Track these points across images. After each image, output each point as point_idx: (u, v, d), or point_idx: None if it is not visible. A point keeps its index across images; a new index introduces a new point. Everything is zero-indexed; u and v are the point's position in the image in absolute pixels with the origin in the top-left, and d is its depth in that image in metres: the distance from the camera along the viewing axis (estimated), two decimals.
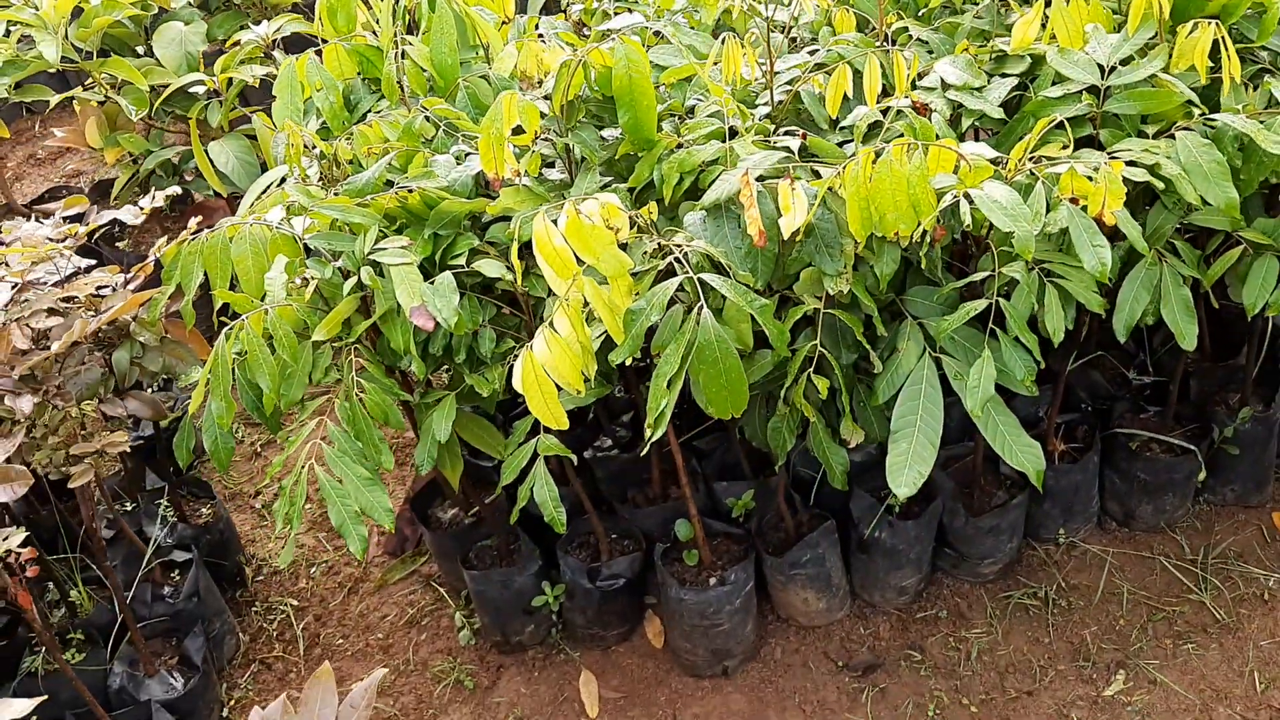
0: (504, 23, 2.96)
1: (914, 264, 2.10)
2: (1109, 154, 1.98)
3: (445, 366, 2.37)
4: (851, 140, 2.24)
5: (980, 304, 1.93)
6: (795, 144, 2.08)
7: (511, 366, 2.25)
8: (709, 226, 2.07)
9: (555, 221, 1.91)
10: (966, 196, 1.81)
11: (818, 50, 2.37)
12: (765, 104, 2.30)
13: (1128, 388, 2.84)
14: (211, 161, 3.67)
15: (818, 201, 1.91)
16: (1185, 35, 1.98)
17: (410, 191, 2.23)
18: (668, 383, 1.87)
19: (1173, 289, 2.05)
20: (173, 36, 3.84)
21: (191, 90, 3.62)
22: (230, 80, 3.50)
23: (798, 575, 2.61)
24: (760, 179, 2.01)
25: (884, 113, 2.16)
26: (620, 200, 2.18)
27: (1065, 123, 1.97)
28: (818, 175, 2.08)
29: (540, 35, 2.99)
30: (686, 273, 1.92)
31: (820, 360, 2.04)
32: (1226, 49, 1.93)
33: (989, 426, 1.96)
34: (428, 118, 2.49)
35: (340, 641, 3.00)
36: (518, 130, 2.17)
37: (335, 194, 2.44)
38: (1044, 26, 2.19)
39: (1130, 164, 1.94)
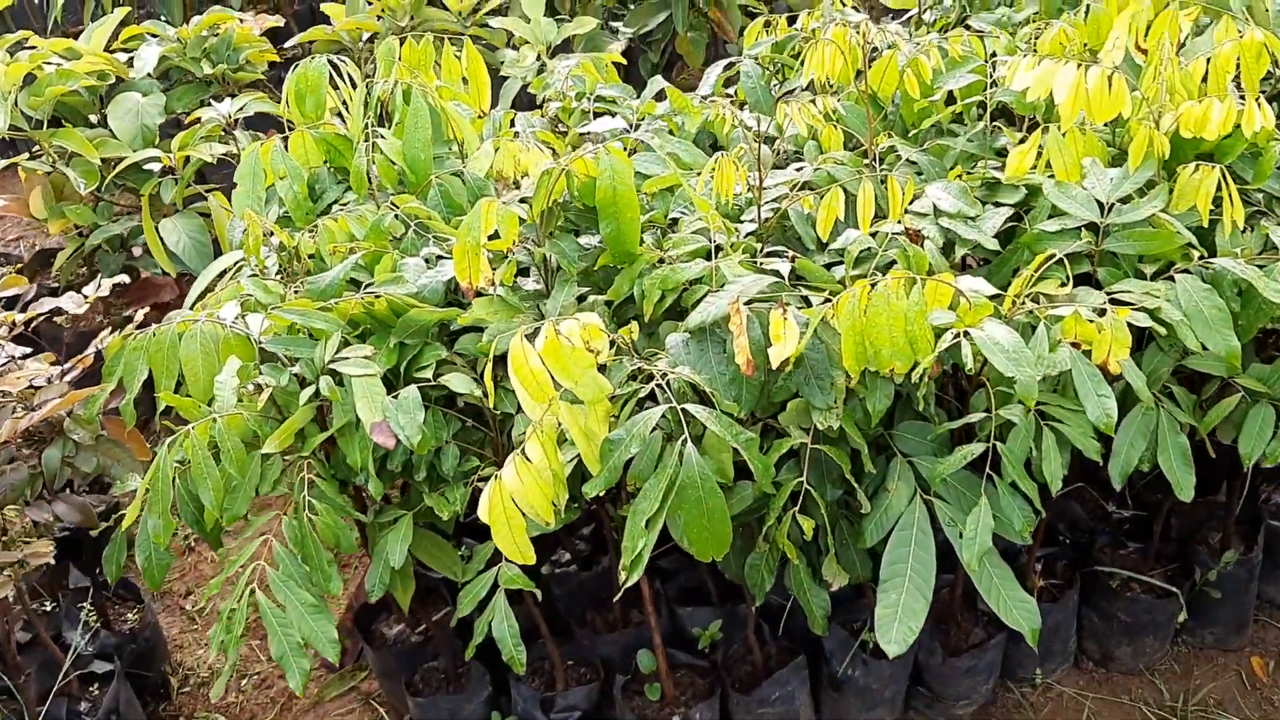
0: (479, 116, 2.87)
1: (904, 396, 2.01)
2: (1109, 295, 1.91)
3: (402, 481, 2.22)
4: (840, 263, 2.16)
5: (976, 448, 1.84)
6: (785, 268, 1.99)
7: (475, 488, 2.14)
8: (692, 350, 1.97)
9: (532, 341, 1.80)
10: (967, 336, 1.73)
11: (805, 167, 2.30)
12: (751, 220, 2.21)
13: (1107, 521, 2.76)
14: (162, 239, 3.52)
15: (809, 332, 1.82)
16: (1188, 176, 1.94)
17: (377, 297, 2.11)
18: (646, 522, 1.75)
19: (1170, 436, 1.97)
20: (129, 108, 3.71)
21: (145, 166, 3.48)
22: (188, 158, 3.37)
23: (765, 713, 2.47)
24: (748, 303, 1.92)
25: (873, 236, 2.08)
26: (601, 318, 2.08)
27: (1064, 259, 1.91)
28: (806, 301, 2.00)
29: (516, 132, 2.91)
30: (669, 401, 1.81)
31: (805, 497, 1.92)
32: (1230, 194, 1.89)
33: (983, 580, 1.85)
34: (398, 216, 2.38)
35: None
36: (494, 236, 2.07)
37: (295, 291, 2.31)
38: (1039, 156, 2.13)
39: (1132, 307, 1.88)
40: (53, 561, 2.29)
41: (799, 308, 1.95)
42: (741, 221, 2.26)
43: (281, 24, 4.16)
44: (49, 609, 2.93)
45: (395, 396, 2.01)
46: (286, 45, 4.05)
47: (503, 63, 4.09)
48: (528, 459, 1.81)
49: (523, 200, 2.32)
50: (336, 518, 2.04)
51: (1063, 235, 2.00)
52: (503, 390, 2.13)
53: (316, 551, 2.04)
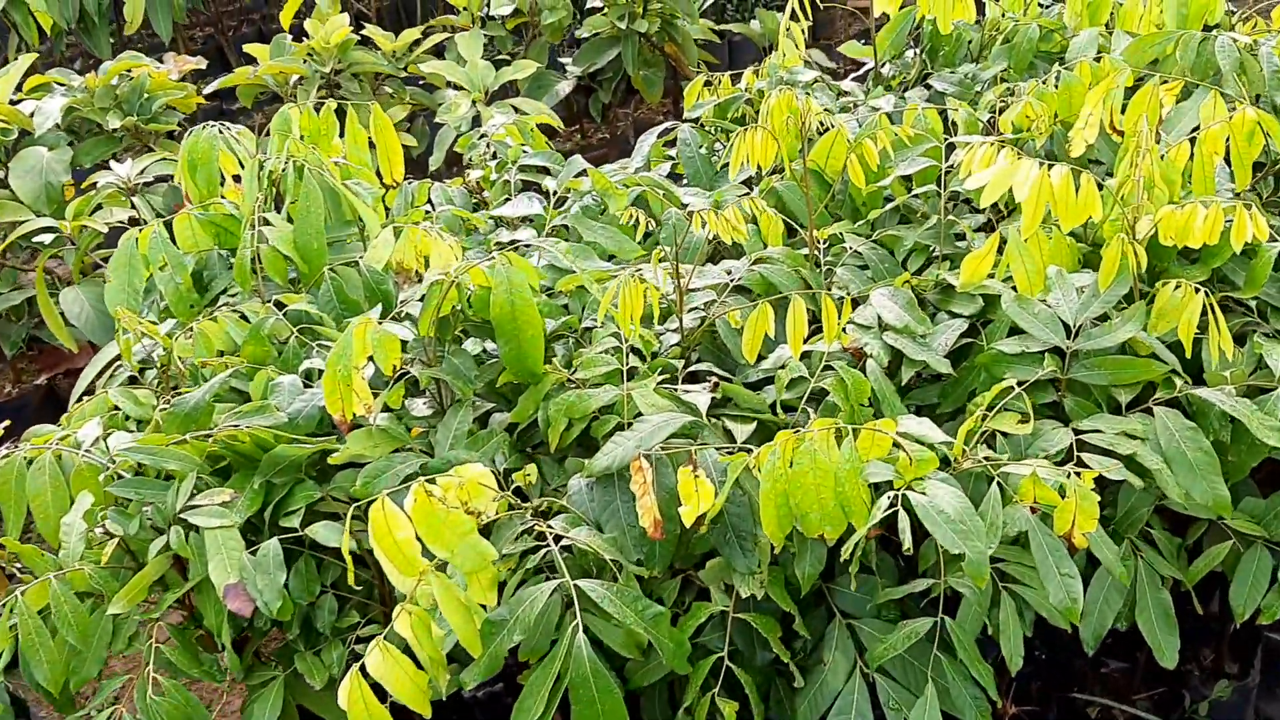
0: (392, 186, 2.59)
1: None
2: (1076, 434, 1.64)
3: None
4: (773, 381, 1.89)
5: (923, 625, 1.57)
6: (704, 401, 1.72)
7: (353, 651, 1.87)
8: (596, 497, 1.70)
9: (400, 503, 1.53)
10: (905, 504, 1.46)
11: (736, 267, 2.03)
12: (675, 328, 1.94)
13: None
14: (63, 311, 3.25)
15: (726, 487, 1.55)
16: (1169, 295, 1.66)
17: (238, 429, 1.83)
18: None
19: (1150, 592, 1.71)
20: (32, 164, 3.44)
21: (39, 237, 3.20)
22: (84, 228, 3.09)
23: None
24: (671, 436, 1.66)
25: (807, 356, 1.82)
26: (501, 448, 1.81)
27: (1023, 394, 1.64)
28: (730, 436, 1.73)
29: (430, 205, 2.64)
30: (564, 577, 1.54)
31: (728, 673, 1.65)
32: (1216, 319, 1.61)
33: None
34: (280, 318, 2.11)
35: None
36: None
37: (163, 404, 2.04)
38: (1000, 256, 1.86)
39: (1102, 451, 1.61)
40: None
41: (720, 447, 1.68)
42: (665, 327, 1.99)
43: (204, 65, 3.88)
44: None
45: (255, 551, 1.74)
46: (207, 91, 3.77)
47: (440, 105, 3.82)
48: (389, 646, 1.54)
49: (422, 298, 2.05)
50: (187, 695, 1.76)
51: (1024, 360, 1.73)
52: None
53: None
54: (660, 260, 1.93)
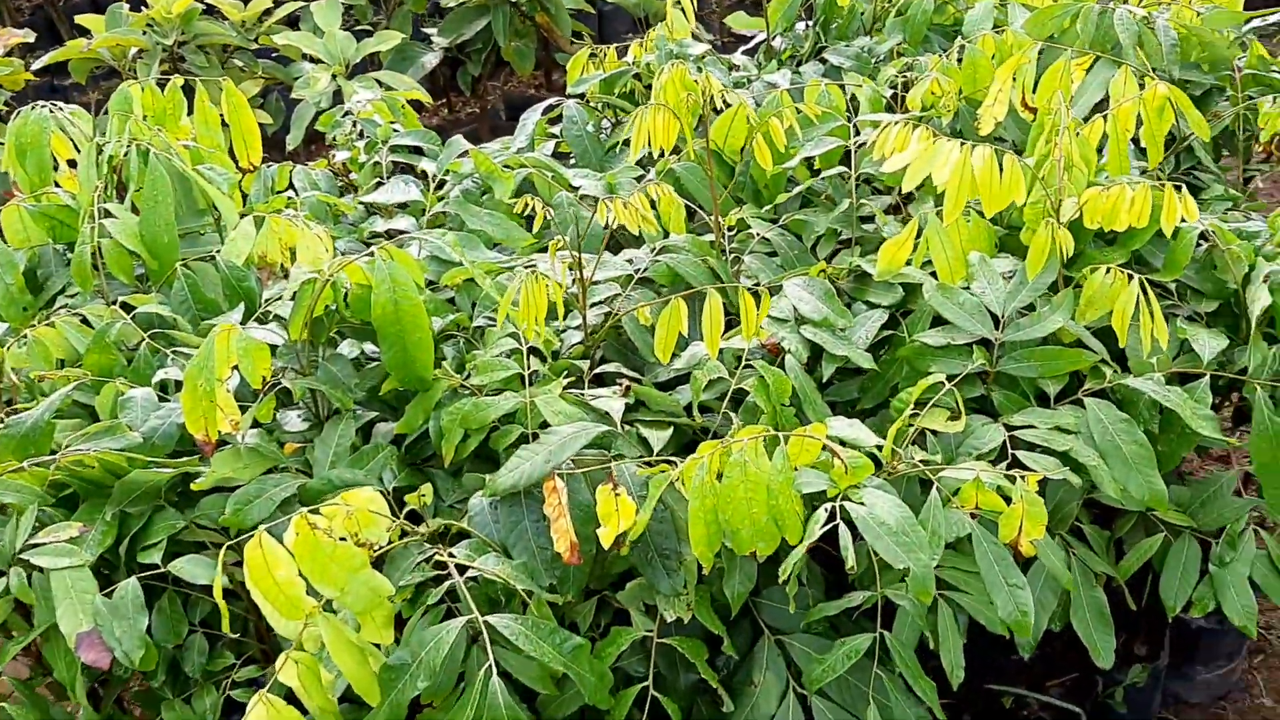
0: (248, 171, 2.36)
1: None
2: (1008, 430, 1.56)
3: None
4: (686, 380, 1.76)
5: (862, 641, 1.46)
6: (617, 408, 1.57)
7: (227, 696, 1.68)
8: (501, 517, 1.54)
9: (279, 536, 1.34)
10: (845, 517, 1.35)
11: (638, 256, 1.89)
12: (577, 325, 1.79)
13: None
14: None
15: (650, 505, 1.41)
16: (1099, 282, 1.59)
17: (86, 451, 1.61)
18: None
19: (1085, 592, 1.64)
20: None
21: None
22: None
23: None
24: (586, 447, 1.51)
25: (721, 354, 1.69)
26: (389, 463, 1.64)
27: (953, 389, 1.55)
28: (646, 445, 1.59)
29: (292, 189, 2.41)
30: (470, 611, 1.38)
31: (654, 703, 1.52)
32: (1152, 308, 1.54)
33: None
34: (129, 322, 1.87)
35: None
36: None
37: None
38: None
39: (1036, 447, 1.53)
40: None
41: (636, 459, 1.54)
42: (566, 325, 1.83)
43: (32, 39, 3.53)
44: None
45: (111, 593, 1.53)
46: (35, 67, 3.42)
47: (297, 79, 3.56)
48: (273, 702, 1.35)
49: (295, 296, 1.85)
50: None
51: (950, 352, 1.64)
52: None
53: None
54: (558, 250, 1.77)
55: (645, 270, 1.84)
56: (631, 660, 1.58)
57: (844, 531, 1.33)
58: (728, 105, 2.06)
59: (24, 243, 2.18)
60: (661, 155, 2.21)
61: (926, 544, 1.34)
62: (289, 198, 2.29)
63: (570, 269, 1.75)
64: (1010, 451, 1.53)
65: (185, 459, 1.68)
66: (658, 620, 1.53)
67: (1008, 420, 1.59)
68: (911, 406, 1.56)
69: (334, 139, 2.62)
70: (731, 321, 1.84)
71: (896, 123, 1.69)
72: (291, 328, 1.69)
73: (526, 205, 1.81)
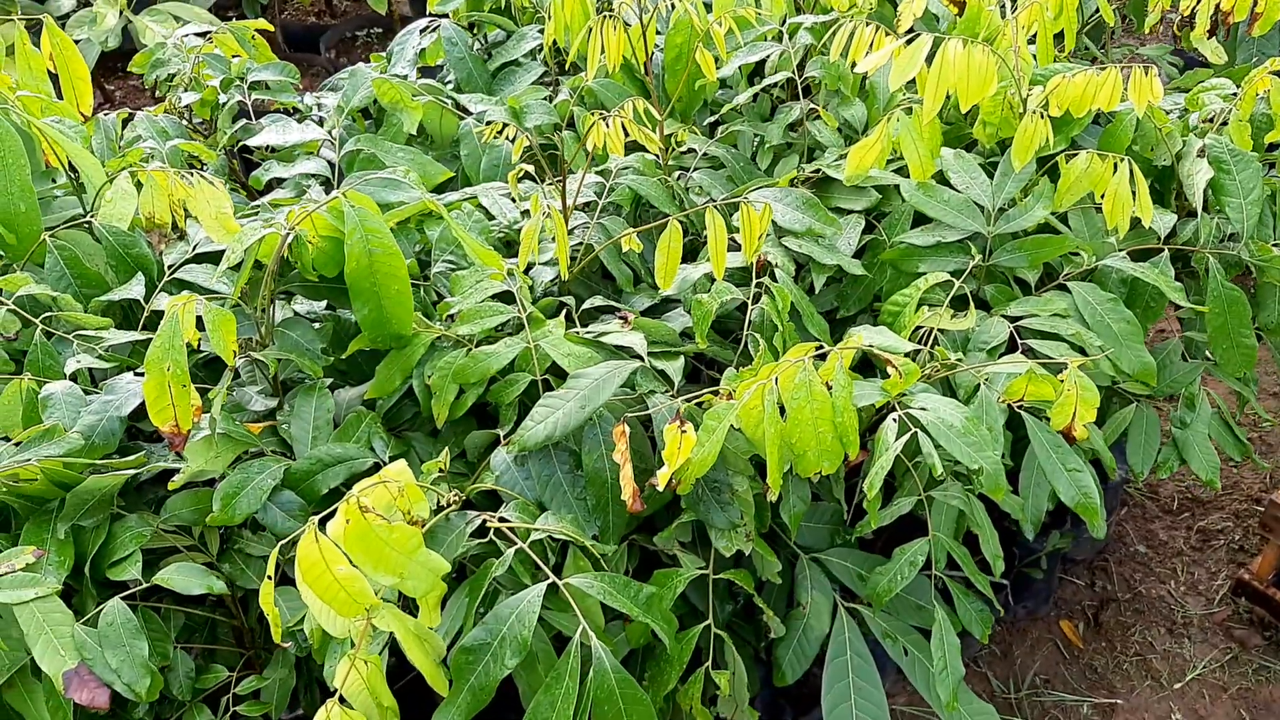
0: (84, 120, 2.04)
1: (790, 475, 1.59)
2: (1013, 322, 1.59)
3: None
4: (669, 307, 1.69)
5: (919, 548, 1.46)
6: (639, 341, 1.48)
7: (233, 713, 1.49)
8: (531, 472, 1.43)
9: (325, 528, 1.18)
10: (914, 421, 1.33)
11: (588, 183, 1.77)
12: (549, 263, 1.67)
13: None
14: None
15: (718, 438, 1.34)
16: (1080, 167, 1.63)
17: (29, 462, 1.35)
18: None
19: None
20: None
21: None
22: None
23: None
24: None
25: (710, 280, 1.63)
26: (378, 436, 1.49)
27: (961, 284, 1.56)
28: (664, 375, 1.51)
29: (140, 142, 2.12)
30: (538, 575, 1.27)
31: (715, 644, 1.47)
32: (1139, 188, 1.59)
33: (951, 712, 1.49)
34: (10, 308, 1.59)
35: None
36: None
37: None
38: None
39: (1040, 334, 1.57)
40: None
41: (664, 393, 1.46)
42: (536, 262, 1.70)
43: None
44: None
45: (92, 621, 1.31)
46: None
47: (60, 17, 3.12)
48: (347, 705, 1.21)
49: (196, 258, 1.63)
50: None
51: (939, 250, 1.64)
52: (241, 556, 1.49)
53: None
54: (519, 180, 1.64)
55: (605, 196, 1.73)
56: (693, 629, 1.51)
57: (924, 439, 1.31)
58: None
59: None
60: (565, 73, 2.09)
61: (992, 442, 1.35)
62: (146, 149, 2.00)
63: (547, 198, 1.61)
64: (1019, 342, 1.56)
65: (131, 457, 1.45)
66: (713, 558, 1.47)
67: (1004, 312, 1.61)
68: (915, 306, 1.55)
69: (160, 80, 2.31)
70: (690, 244, 1.78)
71: (859, 24, 1.66)
72: (236, 287, 1.47)
73: (501, 132, 1.65)
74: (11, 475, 1.35)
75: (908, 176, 1.71)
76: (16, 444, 1.38)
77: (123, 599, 1.34)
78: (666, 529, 1.48)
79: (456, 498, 1.37)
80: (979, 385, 1.43)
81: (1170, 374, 1.80)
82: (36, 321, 1.59)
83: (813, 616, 1.52)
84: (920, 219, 1.69)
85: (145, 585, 1.36)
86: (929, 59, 1.59)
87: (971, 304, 1.56)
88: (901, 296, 1.61)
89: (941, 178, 1.73)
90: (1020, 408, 1.44)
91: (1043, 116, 1.63)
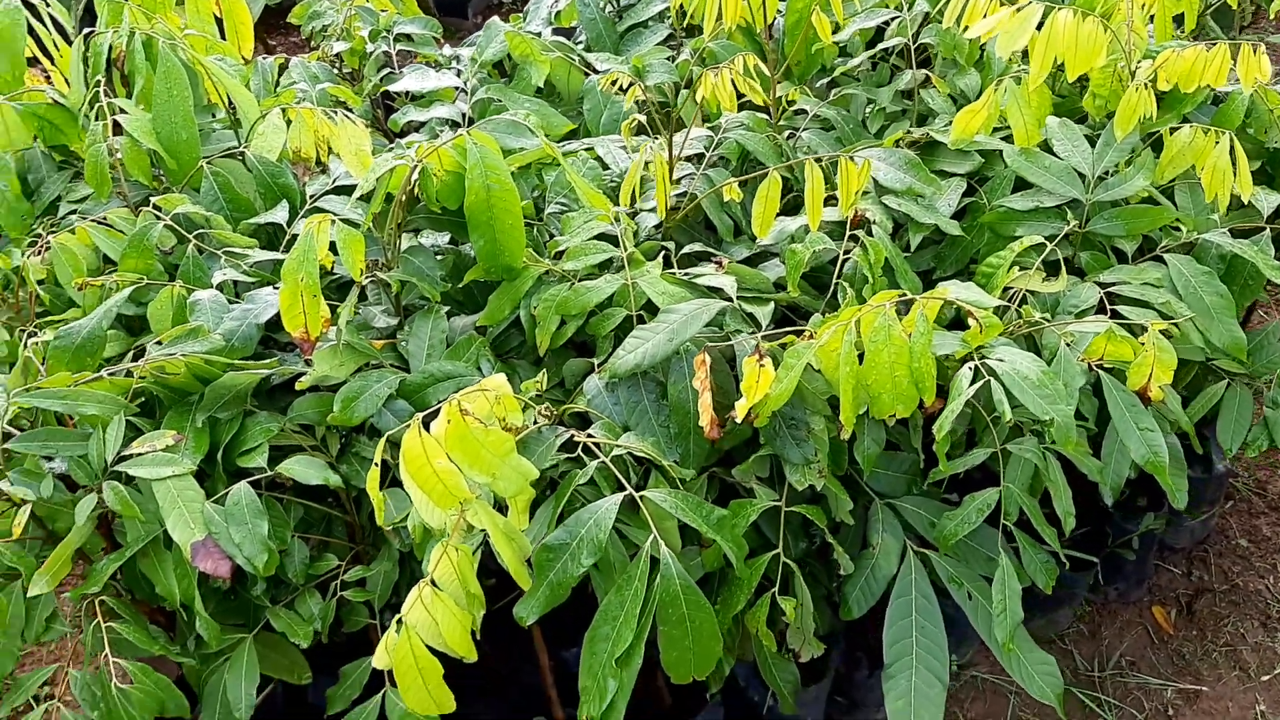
0: (245, 63, 2.22)
1: (868, 420, 1.65)
2: (1103, 289, 1.62)
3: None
4: (767, 257, 1.76)
5: (990, 496, 1.52)
6: (730, 283, 1.56)
7: (339, 598, 1.64)
8: (620, 399, 1.53)
9: (428, 427, 1.30)
10: (991, 373, 1.38)
11: (697, 139, 1.86)
12: (653, 209, 1.76)
13: None
14: None
15: (796, 373, 1.41)
16: (1183, 140, 1.64)
17: (172, 360, 1.51)
18: (617, 660, 1.32)
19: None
20: None
21: None
22: None
23: None
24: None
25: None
26: (485, 358, 1.60)
27: (1054, 248, 1.59)
28: (753, 320, 1.59)
29: (293, 85, 2.29)
30: (618, 486, 1.37)
31: (782, 573, 1.55)
32: (1239, 163, 1.61)
33: (1009, 655, 1.55)
34: (168, 224, 1.76)
35: None
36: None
37: (28, 337, 1.68)
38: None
39: (1131, 302, 1.59)
40: None
41: (750, 333, 1.54)
42: (637, 210, 1.80)
43: None
44: None
45: (220, 500, 1.46)
46: None
47: None
48: (438, 589, 1.33)
49: (361, 198, 1.77)
50: (158, 677, 1.48)
51: (1037, 215, 1.68)
52: (357, 459, 1.63)
53: None
54: (631, 130, 1.73)
55: (713, 149, 1.82)
56: (762, 557, 1.59)
57: (996, 386, 1.36)
58: None
59: (7, 145, 2.01)
60: (689, 35, 2.17)
61: (1065, 396, 1.39)
62: (297, 91, 2.16)
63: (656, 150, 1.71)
64: (1109, 308, 1.59)
65: (265, 360, 1.60)
66: (786, 491, 1.55)
67: (1097, 279, 1.64)
68: (1009, 268, 1.60)
69: (315, 31, 2.49)
70: (793, 200, 1.85)
71: None
72: (370, 215, 1.61)
73: (614, 82, 1.75)
74: (159, 367, 1.51)
75: (1013, 143, 1.75)
76: (159, 343, 1.54)
77: (249, 484, 1.49)
78: (745, 462, 1.56)
79: (548, 411, 1.48)
80: (1061, 344, 1.47)
81: (1267, 355, 1.80)
82: (190, 238, 1.76)
83: (882, 557, 1.58)
84: (1021, 184, 1.73)
85: (270, 474, 1.51)
86: (1040, 28, 1.63)
87: (1063, 269, 1.59)
88: (996, 259, 1.65)
89: (1047, 147, 1.76)
90: (1100, 368, 1.48)
91: (1149, 89, 1.65)
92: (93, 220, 1.82)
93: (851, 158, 1.59)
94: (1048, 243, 1.58)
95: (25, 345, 1.65)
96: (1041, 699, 1.55)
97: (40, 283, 1.80)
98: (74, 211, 1.94)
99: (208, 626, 1.48)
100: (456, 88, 2.09)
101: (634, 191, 1.74)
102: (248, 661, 1.59)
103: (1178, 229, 1.70)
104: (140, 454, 1.46)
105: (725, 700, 2.19)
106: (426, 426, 1.30)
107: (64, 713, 1.49)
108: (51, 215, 2.00)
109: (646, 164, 1.70)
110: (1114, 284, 1.62)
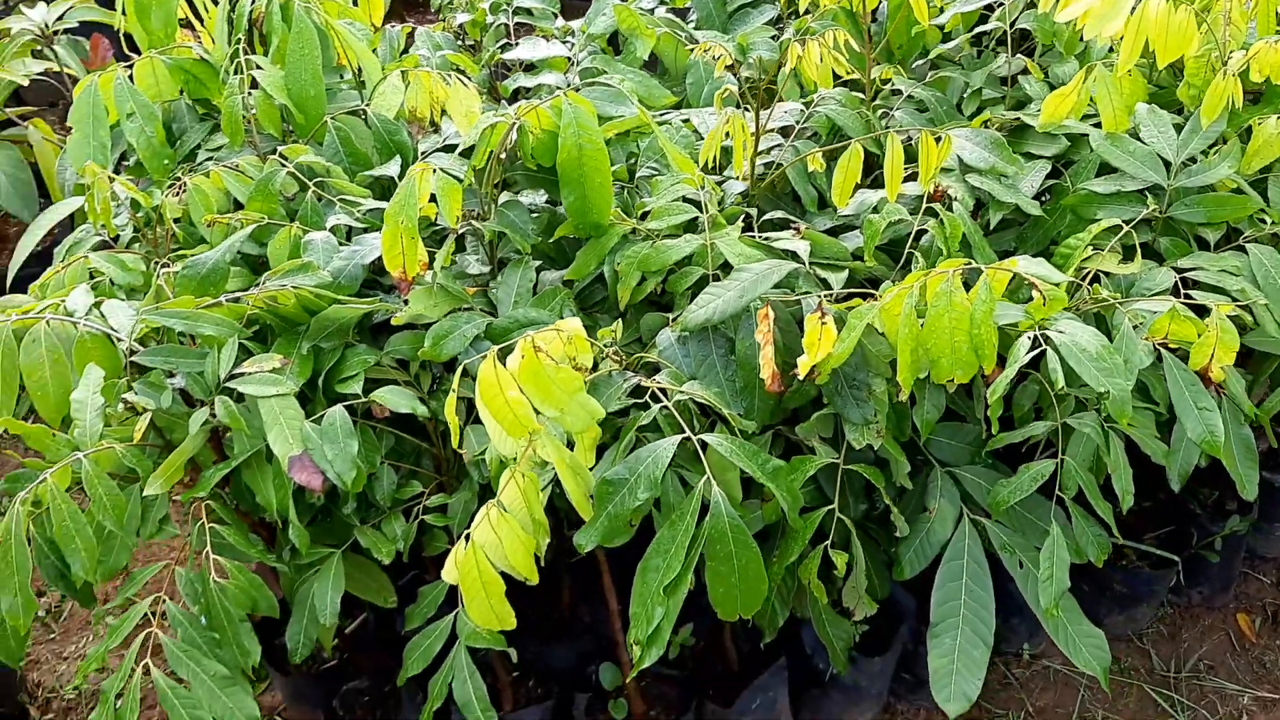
0: (375, 30, 2.36)
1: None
2: (1179, 274, 1.63)
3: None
4: (848, 228, 1.82)
5: (1046, 466, 1.55)
6: (803, 249, 1.63)
7: (421, 521, 1.76)
8: (691, 351, 1.61)
9: (505, 362, 1.40)
10: (1048, 342, 1.41)
11: (791, 108, 1.92)
12: (740, 177, 1.83)
13: None
14: None
15: (856, 333, 1.47)
16: (1269, 131, 1.64)
17: (284, 287, 1.65)
18: (665, 588, 1.40)
19: (1232, 428, 1.72)
20: None
21: None
22: None
23: None
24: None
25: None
26: (568, 308, 1.70)
27: (1129, 231, 1.61)
28: (825, 285, 1.65)
29: (420, 55, 2.42)
30: (680, 429, 1.45)
31: (836, 527, 1.61)
32: None
33: (1052, 620, 1.58)
34: (290, 171, 1.90)
35: None
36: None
37: (162, 267, 1.84)
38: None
39: (1206, 288, 1.60)
40: None
41: (826, 299, 1.60)
42: (725, 178, 1.87)
43: None
44: None
45: (317, 420, 1.59)
46: None
47: None
48: (505, 510, 1.43)
49: (461, 153, 1.89)
50: (251, 576, 1.62)
51: (1118, 199, 1.70)
52: (445, 395, 1.74)
53: (228, 617, 1.62)
54: (724, 101, 1.81)
55: (804, 122, 1.88)
56: (817, 512, 1.66)
57: (1051, 355, 1.39)
58: None
59: (156, 96, 2.19)
60: (795, 17, 2.23)
61: (1124, 370, 1.41)
62: (420, 57, 2.30)
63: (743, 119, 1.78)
64: (1182, 292, 1.60)
65: (369, 298, 1.73)
66: (844, 450, 1.61)
67: (1175, 264, 1.65)
68: (1086, 248, 1.62)
69: (443, 3, 2.62)
70: (878, 175, 1.89)
71: None
72: (478, 162, 1.72)
73: (708, 50, 1.83)
74: (271, 297, 1.65)
75: (1101, 129, 1.76)
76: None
77: (344, 408, 1.61)
78: (808, 421, 1.62)
79: (618, 354, 1.57)
80: (1124, 318, 1.49)
81: None
82: (310, 185, 1.90)
83: (938, 521, 1.62)
84: (1105, 169, 1.74)
85: (364, 401, 1.64)
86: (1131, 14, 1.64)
87: (1139, 252, 1.61)
88: (1075, 239, 1.68)
89: (1137, 136, 1.77)
90: (1165, 347, 1.49)
91: (1238, 79, 1.65)
92: (225, 165, 1.98)
93: (933, 133, 1.63)
94: (1124, 225, 1.60)
95: (158, 275, 1.82)
96: (1087, 670, 1.57)
97: (176, 221, 1.96)
98: (210, 159, 2.11)
99: (300, 535, 1.62)
100: (567, 58, 2.19)
101: (719, 159, 1.81)
102: (335, 573, 1.72)
103: (1264, 220, 1.69)
104: (249, 373, 1.60)
105: (790, 665, 2.25)
106: (503, 360, 1.40)
107: (169, 605, 1.64)
108: (190, 162, 2.18)
109: (727, 133, 1.77)
110: (1191, 270, 1.62)
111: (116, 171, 2.22)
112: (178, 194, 1.96)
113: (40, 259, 2.20)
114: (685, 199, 1.74)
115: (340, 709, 2.28)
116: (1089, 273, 1.63)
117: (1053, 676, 2.44)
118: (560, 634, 2.34)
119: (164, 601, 1.65)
